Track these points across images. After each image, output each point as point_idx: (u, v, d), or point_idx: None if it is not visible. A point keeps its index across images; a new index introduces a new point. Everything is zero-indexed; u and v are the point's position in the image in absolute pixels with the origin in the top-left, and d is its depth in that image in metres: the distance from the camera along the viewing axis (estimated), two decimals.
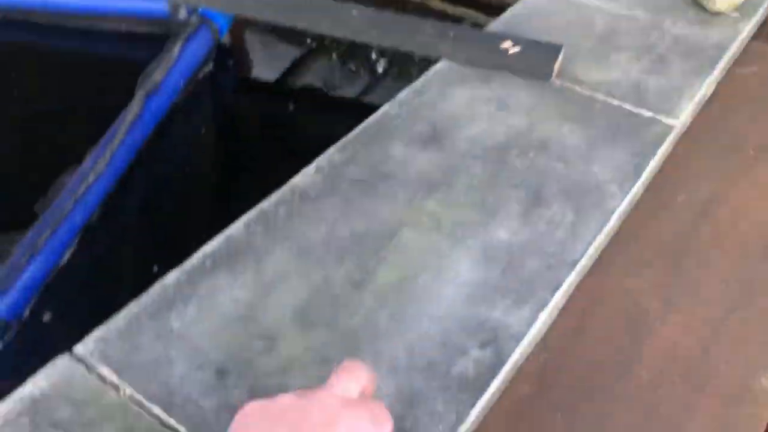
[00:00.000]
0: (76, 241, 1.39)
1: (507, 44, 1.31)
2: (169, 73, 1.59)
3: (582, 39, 1.40)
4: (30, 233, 1.33)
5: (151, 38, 1.83)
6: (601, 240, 0.99)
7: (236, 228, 0.96)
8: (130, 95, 1.55)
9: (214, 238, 0.94)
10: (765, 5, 1.53)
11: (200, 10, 1.70)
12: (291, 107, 1.92)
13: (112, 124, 1.51)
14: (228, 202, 1.55)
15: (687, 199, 1.12)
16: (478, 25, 2.10)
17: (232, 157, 1.69)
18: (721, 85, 1.37)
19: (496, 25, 1.46)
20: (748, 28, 1.46)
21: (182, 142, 1.74)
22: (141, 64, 1.64)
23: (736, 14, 1.49)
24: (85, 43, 1.90)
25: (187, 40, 1.68)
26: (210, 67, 1.76)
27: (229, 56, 1.93)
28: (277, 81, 2.02)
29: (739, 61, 1.47)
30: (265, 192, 1.00)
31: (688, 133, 1.23)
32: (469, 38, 1.35)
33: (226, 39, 1.86)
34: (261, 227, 0.97)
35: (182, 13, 1.70)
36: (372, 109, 1.21)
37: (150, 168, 1.59)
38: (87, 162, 1.45)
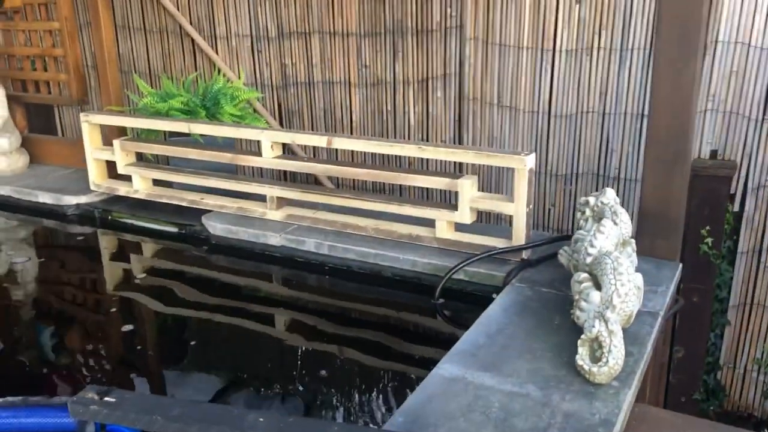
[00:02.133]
0: None
1: None
2: None
3: (480, 426, 1.48)
4: None
5: None
6: None
7: None
8: None
9: None
10: (639, 371, 1.68)
11: (108, 425, 1.72)
12: None
13: None
14: None
15: None
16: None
17: None
18: None
19: (399, 414, 1.53)
20: (628, 396, 1.58)
21: None
22: None
23: (615, 383, 1.62)
24: None
25: None
26: None
27: None
28: None
29: (628, 428, 1.56)
30: None
31: None
32: None
33: None
34: None
35: (90, 429, 1.72)
36: None
37: None
38: None
